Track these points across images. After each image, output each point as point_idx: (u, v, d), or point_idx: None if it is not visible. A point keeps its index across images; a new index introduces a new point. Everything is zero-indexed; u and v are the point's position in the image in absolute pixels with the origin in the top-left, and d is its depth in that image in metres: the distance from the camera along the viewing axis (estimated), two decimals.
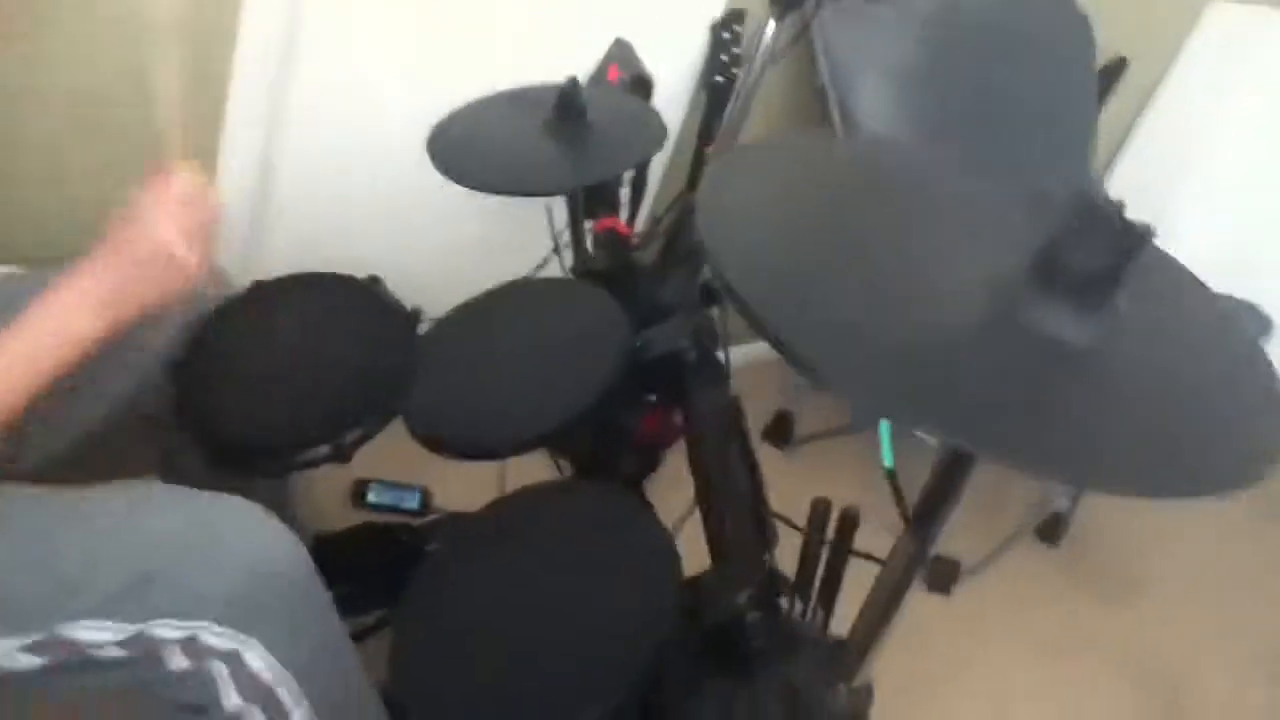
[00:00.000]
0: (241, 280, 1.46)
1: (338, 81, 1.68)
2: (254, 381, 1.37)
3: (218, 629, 1.04)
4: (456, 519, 1.15)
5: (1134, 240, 0.63)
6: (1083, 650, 2.24)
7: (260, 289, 1.44)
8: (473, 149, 1.52)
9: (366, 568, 1.76)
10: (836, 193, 0.76)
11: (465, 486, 1.95)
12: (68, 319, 1.01)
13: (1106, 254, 0.63)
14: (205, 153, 1.58)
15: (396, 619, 1.03)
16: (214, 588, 1.04)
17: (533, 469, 1.87)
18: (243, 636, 1.05)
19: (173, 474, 1.53)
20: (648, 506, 1.08)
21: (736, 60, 2.04)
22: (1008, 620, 2.21)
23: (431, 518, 1.97)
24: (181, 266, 1.06)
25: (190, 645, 1.04)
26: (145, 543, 1.05)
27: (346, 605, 1.20)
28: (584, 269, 1.57)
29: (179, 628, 1.03)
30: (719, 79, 2.04)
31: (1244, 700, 2.24)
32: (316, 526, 1.75)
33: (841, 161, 0.83)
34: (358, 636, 1.39)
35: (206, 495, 1.12)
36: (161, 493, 1.13)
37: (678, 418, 2.24)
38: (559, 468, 1.74)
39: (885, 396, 0.56)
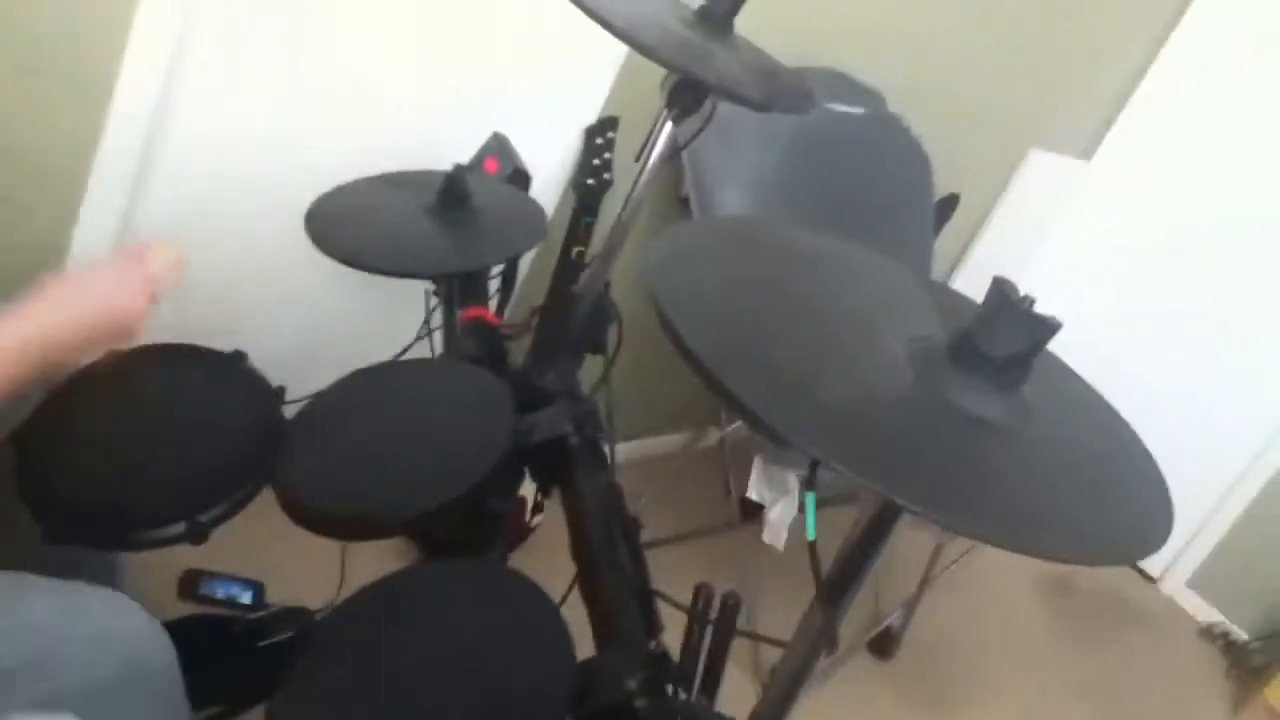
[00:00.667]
0: None
1: (212, 144, 1.64)
2: (106, 452, 1.28)
3: None
4: (349, 601, 1.10)
5: (1045, 330, 0.68)
6: None
7: (117, 357, 1.36)
8: (352, 227, 1.50)
9: (199, 661, 1.65)
10: (766, 265, 0.80)
11: (302, 580, 1.87)
12: (3, 355, 0.94)
13: (1020, 341, 0.69)
14: (66, 200, 1.50)
15: (274, 707, 0.97)
16: (81, 682, 1.00)
17: (374, 560, 1.81)
18: None
19: None
20: (536, 588, 1.05)
21: (608, 165, 2.10)
22: None
23: (265, 612, 1.87)
24: (127, 332, 1.06)
25: None
26: (14, 636, 1.01)
27: None
28: (457, 355, 1.56)
29: None
30: (590, 181, 2.09)
31: None
32: None
33: (766, 240, 0.87)
34: None
35: (79, 586, 1.09)
36: (32, 583, 1.08)
37: (526, 515, 2.24)
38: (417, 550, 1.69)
39: (829, 446, 0.58)
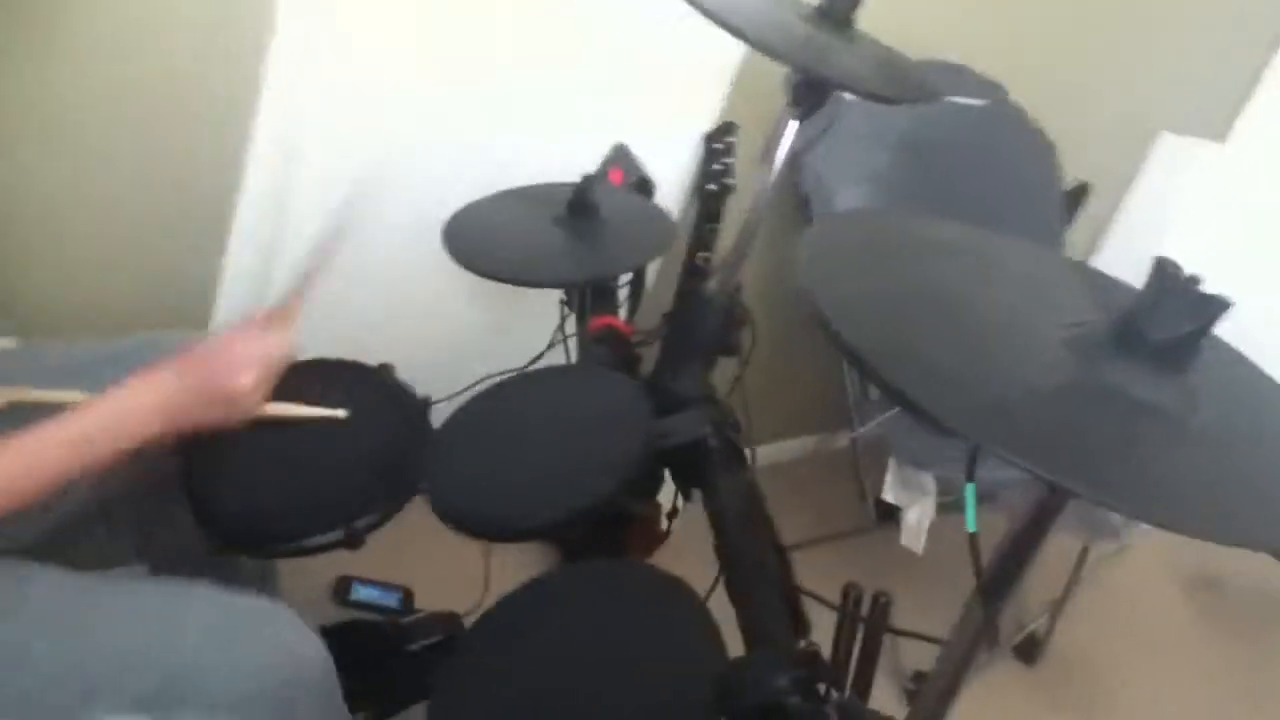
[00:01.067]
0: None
1: (350, 165, 1.70)
2: (264, 463, 1.35)
3: None
4: (499, 605, 1.12)
5: (1213, 309, 0.66)
6: None
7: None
8: (487, 241, 1.54)
9: (350, 665, 1.71)
10: (911, 258, 0.79)
11: (448, 587, 1.92)
12: (130, 416, 1.03)
13: (1185, 322, 0.67)
14: (216, 226, 1.58)
15: (432, 705, 1.00)
16: (242, 692, 1.03)
17: (517, 566, 1.85)
18: None
19: (152, 552, 1.49)
20: (685, 586, 1.06)
21: (729, 169, 2.11)
22: None
23: (414, 617, 1.92)
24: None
25: None
26: (179, 643, 1.04)
27: None
28: (590, 363, 1.59)
29: None
30: (711, 187, 2.10)
31: None
32: None
33: (908, 233, 0.86)
34: None
35: (240, 598, 1.11)
36: (197, 592, 1.12)
37: (662, 521, 2.25)
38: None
39: (993, 434, 0.58)
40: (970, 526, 0.70)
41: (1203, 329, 0.67)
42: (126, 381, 1.03)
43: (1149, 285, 0.69)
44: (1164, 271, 0.68)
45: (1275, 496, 0.64)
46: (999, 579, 0.75)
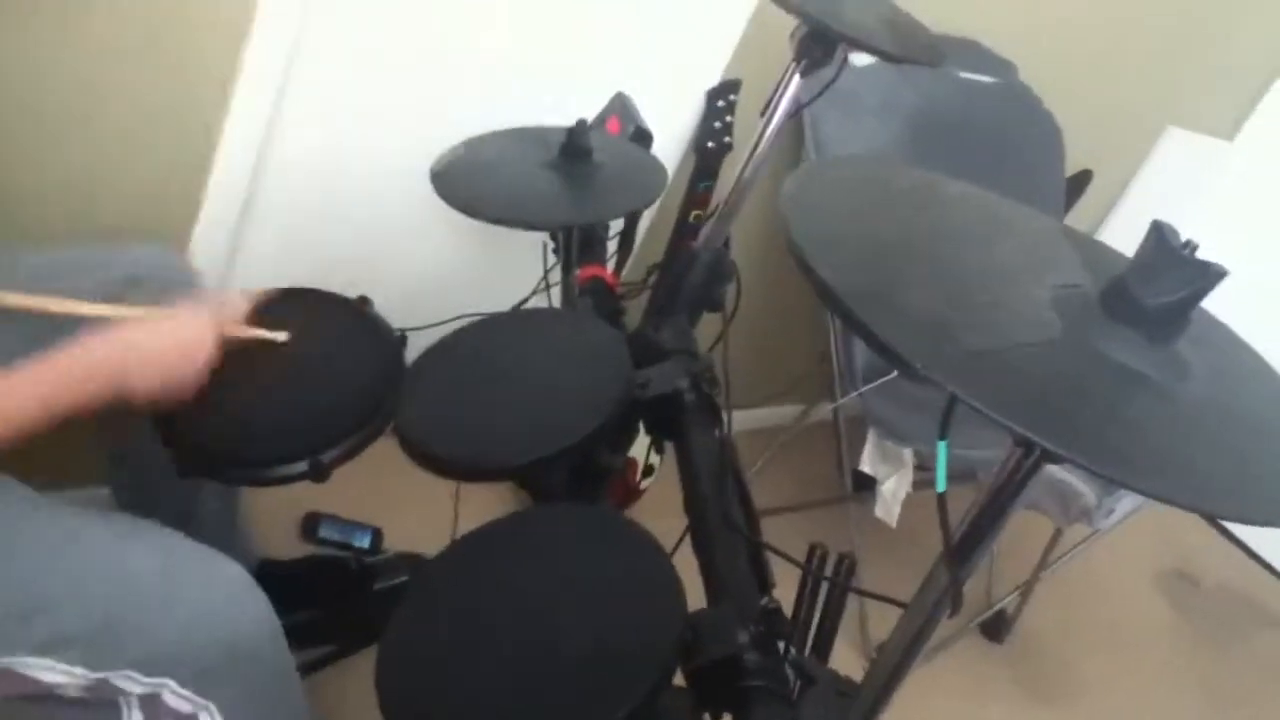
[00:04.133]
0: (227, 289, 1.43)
1: (341, 97, 1.66)
2: (235, 391, 1.32)
3: (180, 690, 1.01)
4: (458, 543, 1.11)
5: (1207, 278, 0.64)
6: None
7: (249, 300, 1.39)
8: (476, 179, 1.51)
9: (314, 600, 1.70)
10: (904, 205, 0.77)
11: (417, 529, 1.91)
12: (92, 364, 1.01)
13: (1178, 289, 0.64)
14: (200, 149, 1.54)
15: (384, 642, 0.98)
16: (184, 648, 1.01)
17: (487, 513, 1.84)
18: (203, 701, 1.02)
19: (123, 472, 1.47)
20: (649, 536, 1.05)
21: (729, 128, 2.08)
22: (950, 714, 2.20)
23: (380, 556, 1.91)
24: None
25: (149, 702, 1.01)
26: (121, 585, 1.02)
27: (293, 636, 1.16)
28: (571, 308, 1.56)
29: (142, 683, 1.00)
30: (710, 144, 2.07)
31: None
32: (264, 553, 1.69)
33: (904, 182, 0.84)
34: (306, 669, 1.33)
35: (192, 547, 1.09)
36: (148, 534, 1.10)
37: (636, 476, 2.24)
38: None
39: (969, 385, 0.55)
40: (940, 486, 0.68)
41: (1196, 296, 0.65)
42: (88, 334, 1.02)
43: (1144, 248, 0.66)
44: (1160, 235, 0.65)
45: (1258, 473, 0.62)
46: (967, 543, 0.74)
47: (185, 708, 1.01)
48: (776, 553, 1.07)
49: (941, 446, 0.67)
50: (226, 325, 1.18)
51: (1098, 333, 0.65)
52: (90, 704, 1.00)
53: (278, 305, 1.40)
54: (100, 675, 0.97)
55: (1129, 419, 0.62)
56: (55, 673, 0.96)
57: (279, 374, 1.35)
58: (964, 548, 0.74)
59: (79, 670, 0.97)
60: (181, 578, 1.04)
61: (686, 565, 1.09)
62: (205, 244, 1.60)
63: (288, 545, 1.90)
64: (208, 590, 1.05)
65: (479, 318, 1.37)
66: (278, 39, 1.50)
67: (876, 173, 0.85)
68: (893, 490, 2.11)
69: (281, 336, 1.29)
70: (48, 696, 0.98)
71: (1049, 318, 0.66)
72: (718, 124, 2.07)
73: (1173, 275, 0.65)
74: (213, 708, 1.02)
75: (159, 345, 1.08)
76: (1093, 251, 0.85)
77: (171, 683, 1.00)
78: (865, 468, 2.17)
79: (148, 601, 1.01)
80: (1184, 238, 0.66)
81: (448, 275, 1.98)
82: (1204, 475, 0.59)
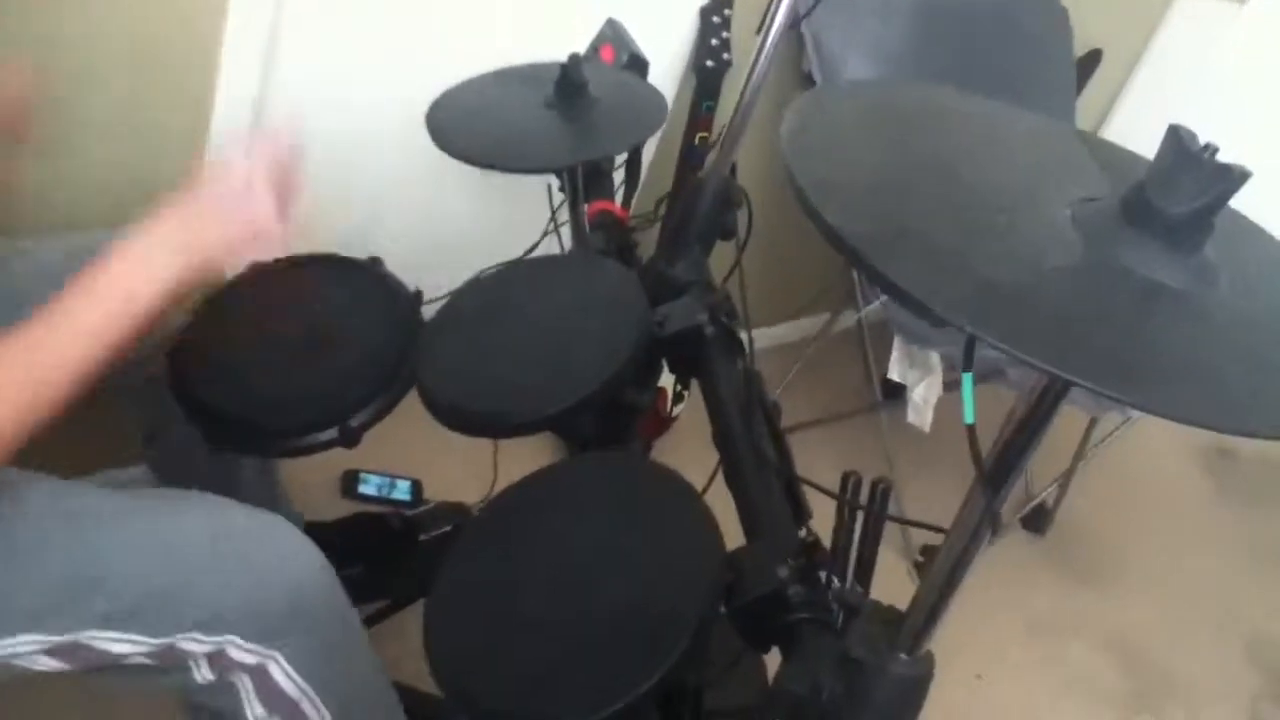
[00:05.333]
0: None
1: (326, 59, 1.63)
2: (256, 361, 1.33)
3: (244, 643, 1.03)
4: (498, 499, 1.11)
5: (1230, 181, 0.62)
6: (1070, 632, 2.27)
7: (258, 269, 1.39)
8: (472, 126, 1.49)
9: (360, 557, 1.72)
10: (911, 131, 0.75)
11: (457, 477, 1.93)
12: (149, 259, 0.94)
13: (1201, 195, 0.62)
14: (195, 125, 1.53)
15: (431, 597, 0.99)
16: (243, 603, 1.02)
17: (525, 457, 1.84)
18: (269, 651, 1.04)
19: (156, 450, 1.49)
20: (681, 479, 1.04)
21: (726, 45, 2.03)
22: (996, 604, 2.23)
23: (424, 508, 1.93)
24: (265, 225, 1.02)
25: (217, 659, 1.03)
26: (177, 552, 1.03)
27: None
28: (586, 249, 1.54)
29: (206, 642, 1.01)
30: (709, 63, 2.02)
31: (1226, 678, 2.27)
32: (306, 516, 1.71)
33: (907, 104, 0.81)
34: (365, 624, 1.34)
35: (240, 509, 1.10)
36: (198, 502, 1.11)
37: (667, 405, 2.24)
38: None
39: (989, 323, 0.54)
40: (968, 419, 0.67)
41: (1219, 201, 0.63)
42: (134, 234, 0.95)
43: (1161, 156, 0.64)
44: (1178, 141, 0.63)
45: None
46: (1001, 467, 0.73)
47: (251, 659, 1.04)
48: (811, 485, 1.07)
49: (967, 379, 0.66)
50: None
51: (1120, 248, 0.63)
52: (155, 670, 1.03)
53: (290, 273, 1.40)
54: (165, 641, 1.00)
55: (1159, 338, 0.60)
56: (121, 643, 0.98)
57: (301, 341, 1.35)
58: (998, 472, 0.73)
59: (143, 638, 0.99)
60: (233, 538, 1.06)
61: (721, 500, 1.09)
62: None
63: (329, 505, 1.93)
64: (261, 546, 1.07)
65: (491, 270, 1.36)
66: (257, 9, 1.47)
67: (878, 97, 0.82)
68: (923, 395, 2.10)
69: None
70: (117, 666, 1.00)
71: (1070, 236, 0.64)
72: (714, 41, 2.02)
73: (1194, 181, 0.63)
74: (279, 656, 1.05)
75: (213, 213, 1.00)
76: (1109, 155, 0.82)
77: (235, 638, 1.02)
78: (894, 375, 2.16)
79: (203, 564, 1.03)
80: (1202, 140, 0.63)
81: (455, 226, 1.97)
82: (1240, 392, 0.58)
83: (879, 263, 0.55)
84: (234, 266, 1.09)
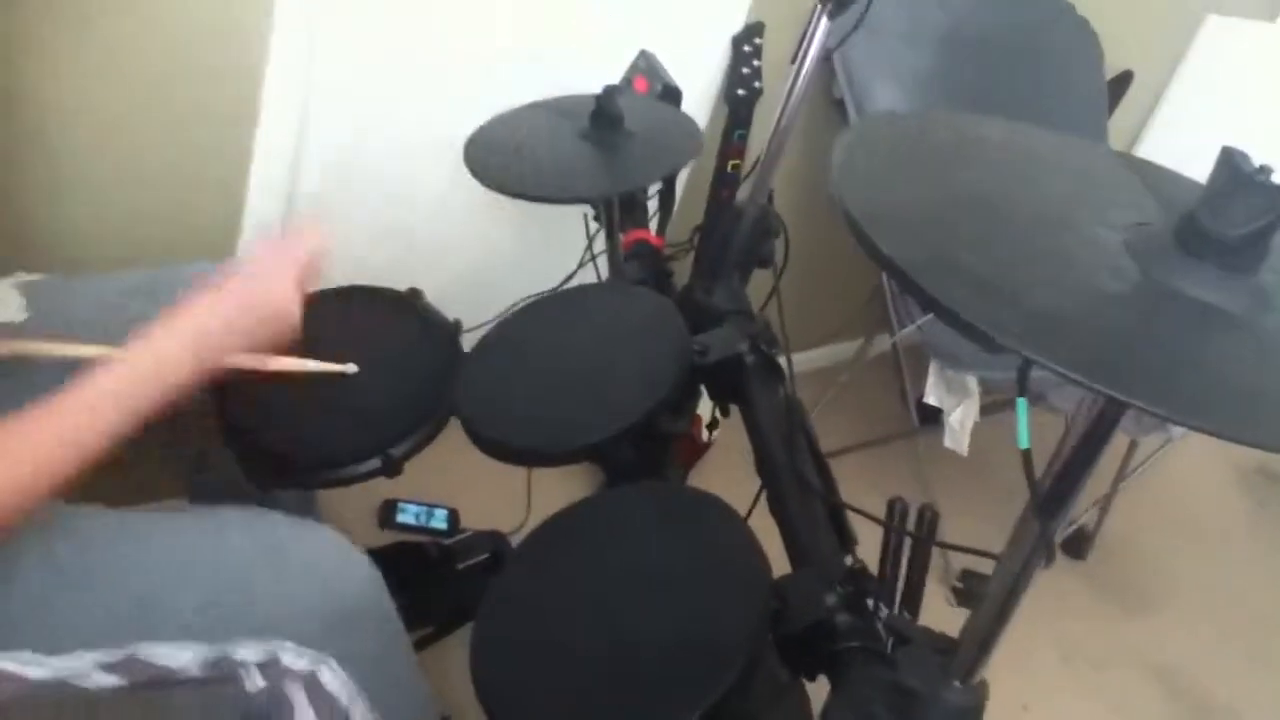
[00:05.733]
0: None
1: (363, 95, 1.66)
2: (297, 394, 1.33)
3: (296, 649, 1.02)
4: (540, 529, 1.12)
5: None
6: (1111, 660, 2.24)
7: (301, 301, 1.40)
8: (509, 158, 1.50)
9: (401, 586, 1.72)
10: (953, 160, 0.75)
11: (491, 505, 1.93)
12: (163, 362, 0.98)
13: (1257, 216, 0.62)
14: (238, 155, 1.55)
15: (476, 628, 1.00)
16: (294, 613, 1.03)
17: (558, 484, 1.84)
18: (320, 656, 1.04)
19: (199, 483, 1.50)
20: (727, 507, 1.04)
21: (758, 73, 2.04)
22: (1037, 631, 2.20)
23: (460, 537, 1.93)
24: (287, 322, 1.06)
25: (269, 667, 1.03)
26: (225, 563, 1.04)
27: None
28: (622, 279, 1.55)
29: (259, 650, 1.02)
30: (740, 92, 2.03)
31: (1274, 705, 2.23)
32: None
33: (946, 133, 0.81)
34: None
35: (283, 519, 1.11)
36: (240, 516, 1.12)
37: (702, 432, 2.24)
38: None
39: (1045, 347, 0.54)
40: (1023, 443, 0.67)
41: (1276, 223, 0.63)
42: (151, 330, 0.99)
43: (1215, 178, 0.64)
44: (1231, 163, 0.63)
45: None
46: (1054, 494, 0.72)
47: (303, 665, 1.03)
48: (857, 511, 1.06)
49: (1021, 404, 0.65)
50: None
51: (1175, 273, 0.63)
52: (212, 680, 1.03)
53: (331, 305, 1.42)
54: (217, 650, 1.00)
55: (1216, 362, 0.60)
56: (176, 656, 0.99)
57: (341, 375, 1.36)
58: (1051, 499, 0.73)
59: (196, 651, 0.99)
60: (281, 549, 1.07)
61: (764, 526, 1.09)
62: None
63: (368, 534, 1.93)
64: (308, 556, 1.08)
65: (529, 300, 1.37)
66: (294, 49, 1.50)
67: (916, 127, 0.82)
68: (960, 419, 2.09)
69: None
70: (171, 680, 1.01)
71: (1121, 261, 0.64)
72: (746, 70, 2.04)
73: (1249, 203, 0.63)
74: (332, 661, 1.04)
75: (235, 309, 1.05)
76: (1151, 177, 0.82)
77: (287, 643, 1.02)
78: (930, 399, 2.15)
79: (252, 575, 1.04)
80: (1257, 163, 0.63)
81: (493, 257, 1.98)
82: None
83: (937, 292, 0.55)
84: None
